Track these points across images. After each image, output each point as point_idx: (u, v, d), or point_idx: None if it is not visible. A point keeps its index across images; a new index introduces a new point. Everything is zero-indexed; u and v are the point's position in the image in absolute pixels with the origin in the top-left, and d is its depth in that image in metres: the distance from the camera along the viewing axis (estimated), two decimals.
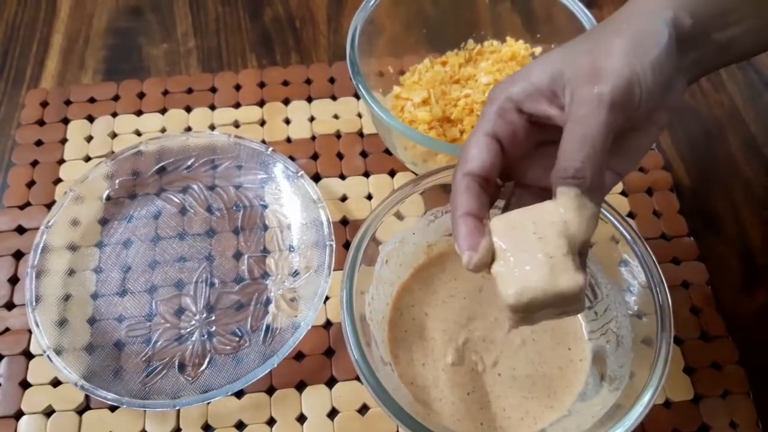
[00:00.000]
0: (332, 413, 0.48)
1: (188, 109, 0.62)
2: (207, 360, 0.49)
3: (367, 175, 0.58)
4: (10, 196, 0.57)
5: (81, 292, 0.51)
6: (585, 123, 0.31)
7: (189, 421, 0.47)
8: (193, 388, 0.47)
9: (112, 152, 0.58)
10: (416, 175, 0.56)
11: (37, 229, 0.52)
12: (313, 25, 0.69)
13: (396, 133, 0.50)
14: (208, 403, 0.47)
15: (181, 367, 0.48)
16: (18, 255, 0.54)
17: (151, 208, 0.55)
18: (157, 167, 0.56)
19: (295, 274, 0.52)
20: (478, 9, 0.60)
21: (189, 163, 0.57)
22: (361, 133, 0.61)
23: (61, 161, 0.59)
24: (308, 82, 0.64)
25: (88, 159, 0.59)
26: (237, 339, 0.49)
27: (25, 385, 0.49)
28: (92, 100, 0.63)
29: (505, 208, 0.38)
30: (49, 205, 0.56)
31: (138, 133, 0.61)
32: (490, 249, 0.34)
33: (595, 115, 0.31)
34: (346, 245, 0.54)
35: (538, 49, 0.59)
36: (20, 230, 0.55)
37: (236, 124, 0.62)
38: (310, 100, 0.63)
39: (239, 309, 0.51)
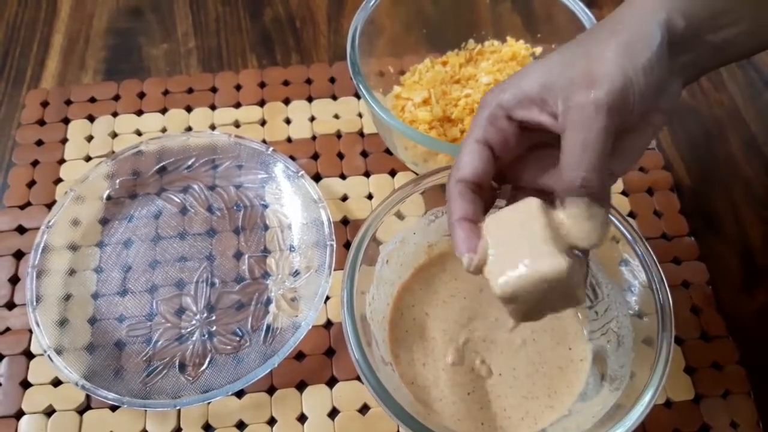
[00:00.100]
0: (333, 413, 0.48)
1: (189, 109, 0.62)
2: (208, 360, 0.49)
3: (367, 174, 0.58)
4: (10, 196, 0.57)
5: (82, 291, 0.51)
6: (584, 129, 0.31)
7: (189, 420, 0.47)
8: (193, 387, 0.47)
9: (113, 152, 0.58)
10: (417, 174, 0.56)
11: (37, 229, 0.52)
12: (314, 25, 0.69)
13: (396, 132, 0.50)
14: (209, 403, 0.47)
15: (182, 367, 0.48)
16: (18, 255, 0.54)
17: (152, 208, 0.55)
18: (157, 167, 0.56)
19: (296, 273, 0.52)
20: (478, 9, 0.60)
21: (189, 162, 0.57)
22: (361, 133, 0.61)
23: (62, 161, 0.59)
24: (309, 82, 0.64)
25: (88, 159, 0.59)
26: (237, 339, 0.49)
27: (25, 384, 0.49)
28: (93, 100, 0.63)
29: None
30: (49, 205, 0.56)
31: (138, 133, 0.61)
32: (487, 249, 0.34)
33: (593, 120, 0.31)
34: (347, 245, 0.54)
35: (538, 49, 0.59)
36: (21, 230, 0.55)
37: (237, 124, 0.62)
38: (310, 99, 0.63)
39: (240, 309, 0.51)
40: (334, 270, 0.49)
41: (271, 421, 0.47)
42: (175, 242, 0.54)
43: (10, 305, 0.52)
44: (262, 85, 0.64)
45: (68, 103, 0.62)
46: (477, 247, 0.34)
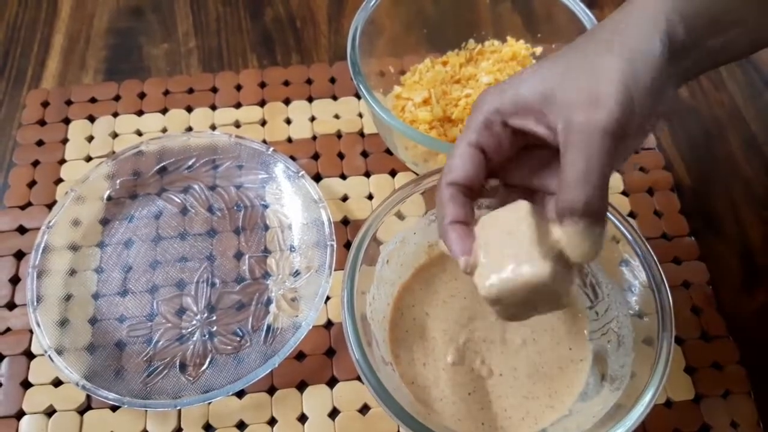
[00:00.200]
0: (333, 413, 0.48)
1: (189, 109, 0.62)
2: (208, 360, 0.49)
3: (367, 174, 0.59)
4: (11, 196, 0.57)
5: (82, 292, 0.51)
6: (587, 152, 0.31)
7: (190, 421, 0.47)
8: (194, 387, 0.47)
9: (113, 152, 0.58)
10: (417, 174, 0.56)
11: (38, 229, 0.52)
12: (314, 25, 0.69)
13: (397, 133, 0.50)
14: (209, 403, 0.47)
15: (183, 367, 0.48)
16: (19, 255, 0.54)
17: (152, 208, 0.55)
18: (158, 167, 0.56)
19: (296, 274, 0.52)
20: (478, 9, 0.61)
21: (190, 163, 0.57)
22: (361, 133, 0.61)
23: (62, 161, 0.59)
24: (309, 82, 0.64)
25: (89, 159, 0.59)
26: (238, 339, 0.50)
27: (26, 385, 0.49)
28: (93, 100, 0.63)
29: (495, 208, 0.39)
30: (50, 205, 0.56)
31: (139, 133, 0.61)
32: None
33: (598, 144, 0.31)
34: (347, 245, 0.54)
35: (538, 49, 0.59)
36: (21, 230, 0.55)
37: (237, 124, 0.62)
38: (310, 100, 0.63)
39: (240, 309, 0.51)
40: (335, 270, 0.49)
41: (272, 422, 0.47)
42: (175, 242, 0.54)
43: (11, 305, 0.52)
44: (263, 85, 0.64)
45: (69, 103, 0.63)
46: (471, 249, 0.34)
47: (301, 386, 0.49)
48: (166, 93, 0.63)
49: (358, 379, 0.47)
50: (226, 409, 0.48)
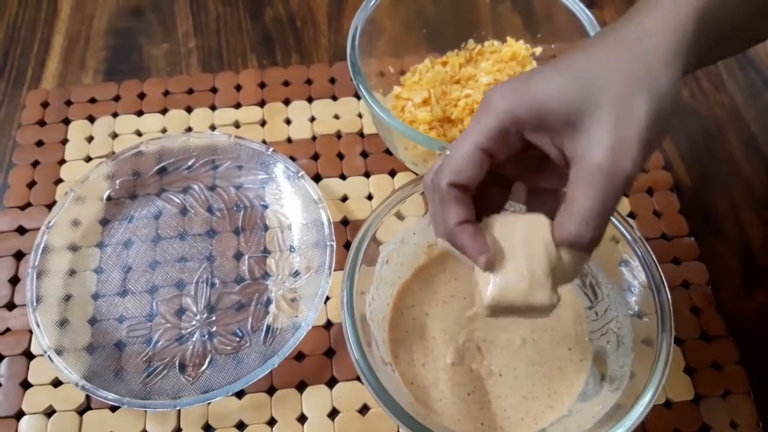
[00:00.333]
0: (333, 413, 0.48)
1: (189, 110, 0.62)
2: (208, 360, 0.49)
3: (367, 175, 0.58)
4: (10, 197, 0.57)
5: (82, 292, 0.51)
6: (604, 193, 0.31)
7: (189, 421, 0.47)
8: (193, 388, 0.47)
9: (113, 152, 0.58)
10: (417, 175, 0.56)
11: (37, 229, 0.52)
12: (314, 26, 0.69)
13: (396, 133, 0.50)
14: (209, 404, 0.47)
15: (182, 368, 0.48)
16: (19, 255, 0.54)
17: (152, 209, 0.55)
18: (157, 167, 0.56)
19: (296, 274, 0.52)
20: (478, 9, 0.60)
21: (189, 163, 0.57)
22: (361, 134, 0.61)
23: (62, 162, 0.59)
24: (309, 82, 0.64)
25: (88, 159, 0.59)
26: (237, 339, 0.50)
27: (25, 385, 0.49)
28: (93, 101, 0.63)
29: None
30: (49, 206, 0.56)
31: (138, 134, 0.61)
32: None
33: (616, 187, 0.31)
34: (347, 245, 0.54)
35: (538, 49, 0.59)
36: (21, 231, 0.55)
37: (237, 125, 0.62)
38: (310, 100, 0.63)
39: (240, 309, 0.51)
40: (334, 270, 0.49)
41: (271, 422, 0.47)
42: (175, 243, 0.54)
43: (11, 306, 0.52)
44: (263, 85, 0.64)
45: (68, 103, 0.63)
46: (488, 247, 0.34)
47: (301, 386, 0.49)
48: (166, 93, 0.63)
49: (358, 379, 0.47)
50: (226, 409, 0.48)
